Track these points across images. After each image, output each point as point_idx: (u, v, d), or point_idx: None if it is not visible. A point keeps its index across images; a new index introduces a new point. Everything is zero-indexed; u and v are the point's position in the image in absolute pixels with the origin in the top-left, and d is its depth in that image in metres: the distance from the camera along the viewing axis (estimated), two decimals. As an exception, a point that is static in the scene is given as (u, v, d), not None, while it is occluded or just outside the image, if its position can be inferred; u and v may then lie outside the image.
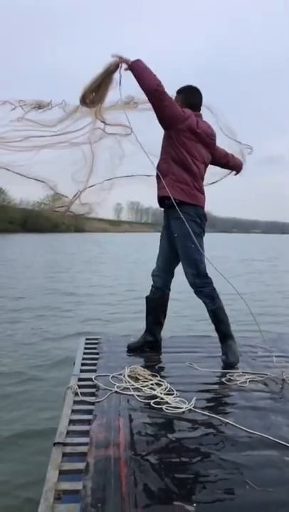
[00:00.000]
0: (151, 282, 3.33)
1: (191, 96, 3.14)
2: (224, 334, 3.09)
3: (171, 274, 3.30)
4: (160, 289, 3.28)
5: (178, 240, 3.07)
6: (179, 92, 3.15)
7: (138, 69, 2.85)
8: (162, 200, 3.11)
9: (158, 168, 3.11)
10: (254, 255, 27.45)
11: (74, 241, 40.45)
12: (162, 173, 3.06)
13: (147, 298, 3.36)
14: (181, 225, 2.99)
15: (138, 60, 2.87)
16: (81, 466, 1.72)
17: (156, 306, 3.32)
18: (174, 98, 3.08)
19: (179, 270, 3.23)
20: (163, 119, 2.97)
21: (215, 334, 3.64)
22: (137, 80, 2.86)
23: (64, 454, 1.83)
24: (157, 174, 3.12)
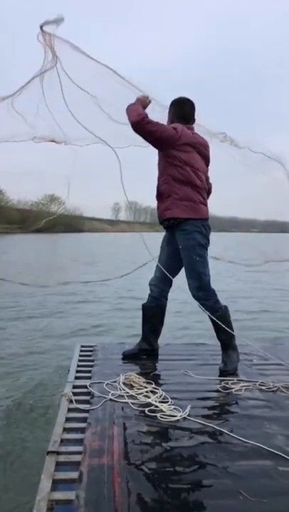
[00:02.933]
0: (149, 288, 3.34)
1: (182, 108, 3.17)
2: (225, 344, 3.10)
3: (169, 285, 3.29)
4: (157, 298, 3.28)
5: (183, 252, 3.06)
6: (172, 104, 3.19)
7: (126, 112, 2.95)
8: (166, 219, 3.12)
9: (159, 189, 3.12)
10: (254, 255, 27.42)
11: (72, 241, 40.46)
12: (164, 194, 3.07)
13: (144, 306, 3.36)
14: (187, 236, 3.01)
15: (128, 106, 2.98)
16: (75, 475, 1.72)
17: (153, 315, 3.32)
18: (167, 110, 3.17)
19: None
20: (158, 144, 3.00)
21: (211, 342, 3.64)
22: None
23: (57, 463, 1.82)
24: (159, 195, 3.14)
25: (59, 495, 1.61)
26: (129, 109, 2.93)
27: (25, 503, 1.87)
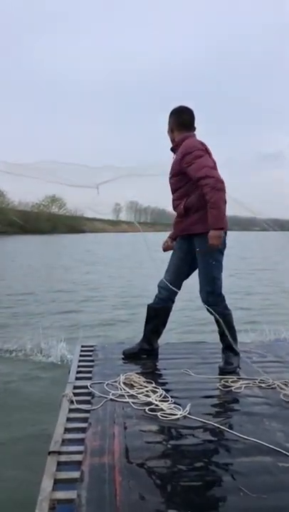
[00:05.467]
0: (149, 285, 3.34)
1: (181, 116, 3.19)
2: (227, 346, 3.13)
3: (179, 287, 3.27)
4: (163, 300, 3.28)
5: (199, 255, 3.06)
6: (171, 113, 3.21)
7: (221, 223, 2.89)
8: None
9: (187, 205, 3.05)
10: (255, 253, 27.46)
11: (73, 242, 40.51)
12: (192, 209, 3.04)
13: (149, 307, 3.36)
14: (206, 240, 2.98)
15: (218, 227, 2.89)
16: (76, 474, 1.73)
17: (157, 316, 3.32)
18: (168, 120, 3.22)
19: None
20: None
21: (210, 340, 3.66)
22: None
23: (59, 463, 1.83)
24: (185, 211, 3.08)
25: (61, 494, 1.62)
26: (222, 217, 2.91)
27: (27, 503, 1.88)
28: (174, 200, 3.19)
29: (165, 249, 3.38)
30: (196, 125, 3.23)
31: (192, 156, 2.97)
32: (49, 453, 1.90)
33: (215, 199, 2.85)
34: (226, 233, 3.09)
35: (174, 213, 3.28)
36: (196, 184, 2.95)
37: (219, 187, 2.87)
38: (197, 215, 3.02)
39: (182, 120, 3.18)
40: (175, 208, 3.19)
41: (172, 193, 3.20)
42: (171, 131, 3.23)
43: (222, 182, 2.89)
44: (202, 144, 3.07)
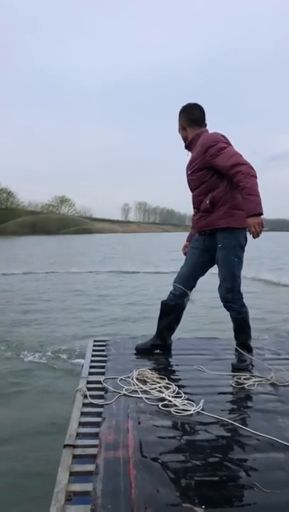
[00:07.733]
0: (161, 285, 3.36)
1: (192, 112, 3.17)
2: (242, 344, 3.15)
3: (193, 285, 3.29)
4: (178, 297, 3.28)
5: (221, 251, 3.03)
6: (181, 111, 3.20)
7: (260, 208, 2.78)
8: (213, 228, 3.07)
9: (213, 199, 3.01)
10: (265, 253, 27.38)
11: (83, 242, 40.72)
12: (218, 203, 3.00)
13: (163, 303, 3.37)
14: (229, 236, 2.98)
15: (258, 212, 2.77)
16: (91, 467, 1.75)
17: (171, 312, 3.33)
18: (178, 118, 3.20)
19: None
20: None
21: (222, 336, 3.65)
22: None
23: (74, 456, 1.86)
24: (211, 205, 3.02)
25: (76, 487, 1.65)
26: (259, 200, 2.78)
27: (44, 495, 1.92)
28: (196, 197, 3.14)
29: (186, 254, 3.38)
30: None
31: (216, 147, 2.93)
32: (64, 446, 1.92)
33: (251, 184, 2.77)
34: (246, 229, 3.06)
35: (183, 214, 3.28)
36: (226, 174, 2.89)
37: (253, 173, 2.82)
38: (223, 208, 2.99)
39: (193, 116, 3.15)
40: (198, 204, 3.12)
41: (193, 190, 3.16)
42: (182, 129, 3.19)
43: (253, 169, 2.84)
44: (224, 136, 3.04)
